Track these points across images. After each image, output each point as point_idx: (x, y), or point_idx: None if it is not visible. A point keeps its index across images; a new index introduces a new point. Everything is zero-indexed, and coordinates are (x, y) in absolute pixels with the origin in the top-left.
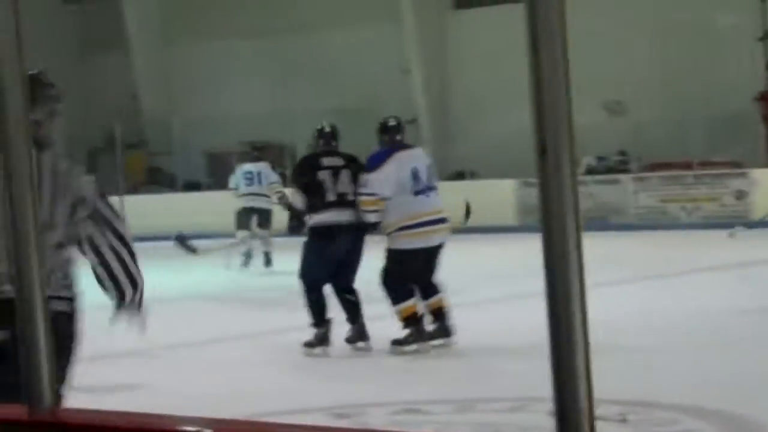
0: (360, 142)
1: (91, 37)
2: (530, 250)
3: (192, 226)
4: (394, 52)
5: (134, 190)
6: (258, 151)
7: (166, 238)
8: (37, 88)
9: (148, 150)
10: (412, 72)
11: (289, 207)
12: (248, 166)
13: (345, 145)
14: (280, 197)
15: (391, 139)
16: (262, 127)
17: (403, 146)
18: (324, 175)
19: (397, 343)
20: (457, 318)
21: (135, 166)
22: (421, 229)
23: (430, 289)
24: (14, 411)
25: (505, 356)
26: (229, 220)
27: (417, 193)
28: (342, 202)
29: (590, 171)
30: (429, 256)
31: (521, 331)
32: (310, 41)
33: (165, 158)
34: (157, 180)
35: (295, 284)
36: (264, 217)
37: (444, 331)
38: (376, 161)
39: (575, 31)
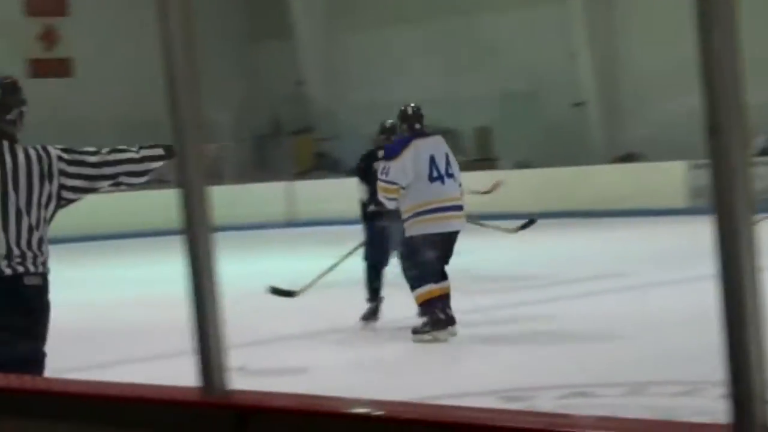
0: (528, 125)
1: (258, 25)
2: (700, 232)
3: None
4: (561, 34)
5: (302, 175)
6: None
7: (333, 223)
8: (11, 93)
9: (315, 135)
10: (579, 55)
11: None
12: None
13: (513, 127)
14: None
15: (410, 127)
16: (428, 111)
17: (421, 134)
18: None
19: (415, 332)
20: (625, 301)
21: (302, 151)
22: (437, 215)
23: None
24: (187, 392)
25: (676, 339)
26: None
27: (433, 179)
28: None
29: (763, 152)
30: (445, 242)
31: (693, 314)
32: (476, 25)
33: (331, 144)
34: (324, 165)
35: (461, 268)
36: None
37: (436, 323)
38: (396, 149)
39: (745, 7)
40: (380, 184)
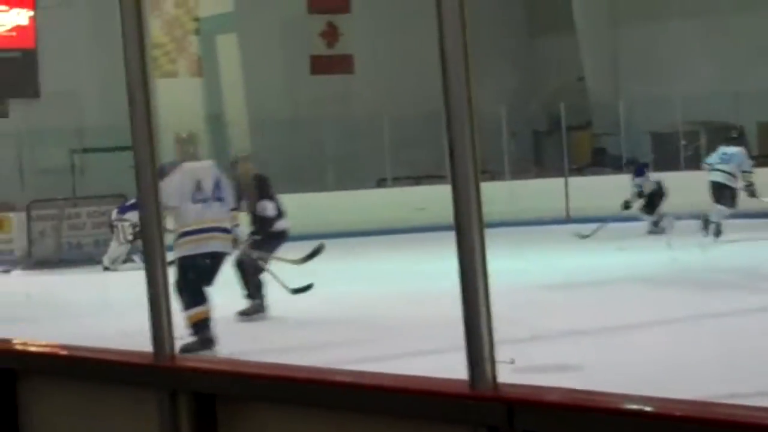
0: None
1: (537, 19)
2: None
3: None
4: None
5: (579, 171)
6: (736, 135)
7: (606, 220)
8: None
9: (593, 131)
10: None
11: (754, 195)
12: (725, 149)
13: None
14: (747, 184)
15: (183, 150)
16: (709, 106)
17: (192, 158)
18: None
19: (185, 350)
20: None
21: (580, 147)
22: (200, 236)
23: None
24: (457, 385)
25: None
26: (674, 201)
27: (196, 201)
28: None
29: None
30: (208, 262)
31: None
32: (757, 19)
33: (610, 139)
34: (602, 161)
35: (743, 267)
36: (727, 193)
37: (205, 342)
38: (163, 171)
39: None
40: None
